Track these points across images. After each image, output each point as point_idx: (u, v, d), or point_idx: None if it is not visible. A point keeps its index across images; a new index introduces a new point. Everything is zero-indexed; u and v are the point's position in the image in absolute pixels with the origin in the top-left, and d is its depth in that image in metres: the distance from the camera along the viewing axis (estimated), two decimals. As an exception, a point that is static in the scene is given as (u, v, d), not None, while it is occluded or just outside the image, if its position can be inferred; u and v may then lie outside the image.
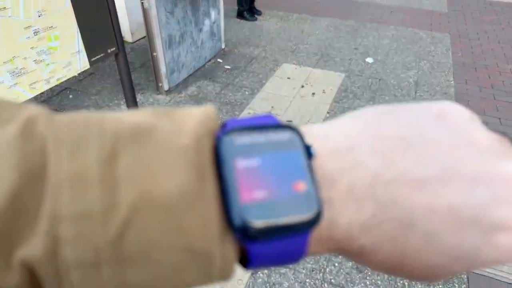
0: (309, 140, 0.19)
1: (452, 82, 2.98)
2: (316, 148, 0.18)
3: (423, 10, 4.71)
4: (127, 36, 3.45)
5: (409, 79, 3.01)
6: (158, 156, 0.16)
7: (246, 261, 0.18)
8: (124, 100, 2.44)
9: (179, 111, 0.18)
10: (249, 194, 0.16)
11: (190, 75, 2.98)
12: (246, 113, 2.54)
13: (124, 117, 0.17)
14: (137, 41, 3.56)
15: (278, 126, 0.18)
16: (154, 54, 2.52)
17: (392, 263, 0.19)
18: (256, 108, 2.61)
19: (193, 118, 0.17)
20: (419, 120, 0.19)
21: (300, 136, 0.18)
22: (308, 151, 0.18)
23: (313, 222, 0.17)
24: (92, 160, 0.15)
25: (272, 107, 2.62)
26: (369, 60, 3.32)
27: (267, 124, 0.18)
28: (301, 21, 4.21)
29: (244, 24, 4.12)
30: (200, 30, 2.98)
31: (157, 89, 2.71)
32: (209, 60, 3.24)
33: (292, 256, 0.18)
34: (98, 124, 0.16)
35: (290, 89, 2.86)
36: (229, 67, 3.19)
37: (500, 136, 0.20)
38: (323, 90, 2.85)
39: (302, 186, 0.17)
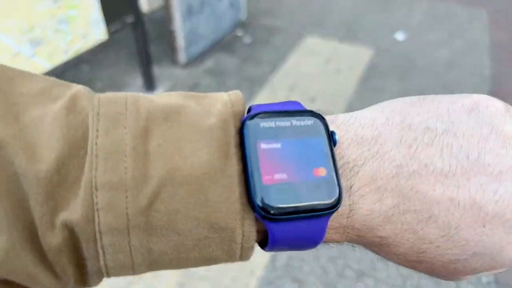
0: (334, 128, 0.19)
1: (488, 63, 2.76)
2: (340, 136, 0.19)
3: (458, -18, 4.36)
4: (144, 5, 3.30)
5: (441, 58, 2.81)
6: (186, 134, 0.17)
7: (265, 245, 0.19)
8: (140, 73, 2.35)
9: (207, 94, 0.19)
10: (271, 175, 0.17)
11: (208, 48, 2.85)
12: (266, 90, 2.43)
13: (157, 98, 0.18)
14: (154, 11, 3.41)
15: (303, 112, 0.19)
16: (171, 24, 2.39)
17: (411, 257, 0.19)
18: (276, 85, 2.48)
19: (220, 101, 0.19)
20: (450, 113, 0.19)
21: (325, 123, 0.19)
22: (332, 138, 0.18)
23: (332, 207, 0.17)
24: (127, 135, 0.16)
25: (294, 84, 2.49)
26: (399, 36, 3.11)
27: (292, 110, 0.19)
28: (326, -9, 3.95)
29: (265, -7, 3.90)
30: (220, 0, 2.81)
31: (174, 62, 2.60)
32: (229, 32, 3.09)
33: (310, 240, 0.18)
34: (134, 104, 0.17)
35: (313, 65, 2.71)
36: (248, 40, 3.04)
37: None
38: (349, 67, 2.69)
39: (322, 171, 0.17)
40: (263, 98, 2.36)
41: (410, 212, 0.17)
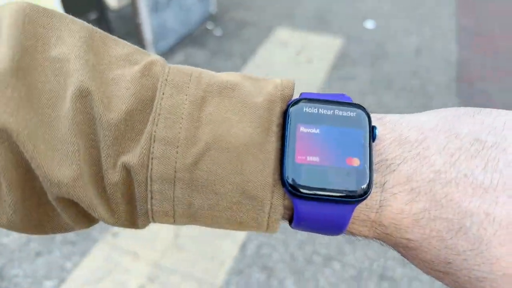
0: (380, 125, 0.20)
1: (455, 48, 2.82)
2: (384, 134, 0.19)
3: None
4: (113, 2, 3.23)
5: (410, 46, 2.85)
6: (235, 108, 0.19)
7: (291, 222, 0.20)
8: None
9: (264, 78, 0.22)
10: (304, 156, 0.18)
11: (178, 42, 2.81)
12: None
13: (219, 75, 0.21)
14: (123, 7, 3.34)
15: (349, 104, 0.20)
16: (138, 19, 2.34)
17: (437, 266, 0.18)
18: (248, 77, 2.48)
19: (272, 84, 0.21)
20: (506, 127, 0.18)
21: (368, 117, 0.19)
22: (372, 132, 0.19)
23: (358, 196, 0.18)
24: (187, 101, 0.19)
25: (265, 75, 2.48)
26: (369, 24, 3.14)
27: (339, 101, 0.20)
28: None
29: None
30: (188, -8, 2.78)
31: (143, 57, 2.56)
32: (198, 26, 3.06)
33: (333, 225, 0.19)
34: (197, 76, 0.20)
35: (285, 56, 2.71)
36: (219, 33, 3.01)
37: None
38: (320, 57, 2.71)
39: (356, 162, 0.18)
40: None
41: (441, 219, 0.17)
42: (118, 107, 0.18)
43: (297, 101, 0.19)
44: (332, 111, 0.19)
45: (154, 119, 0.18)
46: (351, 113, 0.19)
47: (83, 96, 0.18)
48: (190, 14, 2.88)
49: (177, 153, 0.18)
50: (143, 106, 0.19)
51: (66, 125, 0.18)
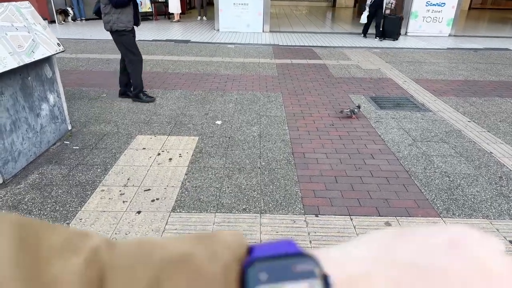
0: (326, 265, 0.20)
1: (287, 130, 3.52)
2: (333, 277, 0.19)
3: (258, 76, 5.55)
4: None
5: (253, 133, 3.43)
6: (192, 284, 0.18)
7: None
8: None
9: (213, 237, 0.21)
10: None
11: (30, 162, 2.74)
12: (99, 191, 2.45)
13: (170, 243, 0.20)
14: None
15: (298, 254, 0.20)
16: (-21, 146, 2.25)
17: None
18: (110, 184, 2.54)
19: (223, 246, 0.21)
20: (432, 247, 0.20)
21: (318, 266, 0.19)
22: (326, 281, 0.19)
23: None
24: (140, 287, 0.18)
25: (129, 179, 2.59)
26: (218, 122, 3.68)
27: (289, 253, 0.20)
28: (152, 95, 4.41)
29: (93, 103, 4.08)
30: (38, 115, 2.83)
31: (-12, 184, 2.38)
32: (54, 144, 3.06)
33: None
34: (148, 254, 0.19)
35: (146, 159, 2.90)
36: (77, 147, 3.06)
37: None
38: (180, 154, 2.99)
39: None
40: (96, 200, 2.36)
41: None
42: None
43: (251, 264, 0.19)
44: (286, 267, 0.19)
45: None
46: (303, 265, 0.19)
47: None
48: (42, 135, 2.89)
49: None
50: None
51: None
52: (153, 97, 4.29)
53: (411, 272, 0.19)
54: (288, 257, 0.20)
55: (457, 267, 0.19)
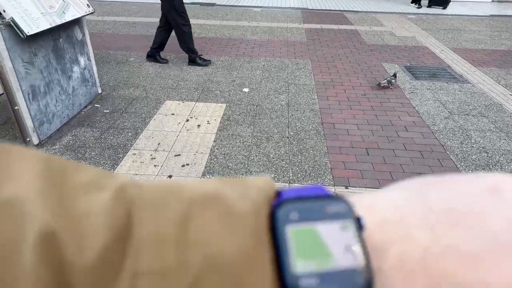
0: (358, 211, 0.19)
1: (316, 100, 3.43)
2: (366, 220, 0.19)
3: (286, 41, 5.36)
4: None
5: (281, 102, 3.36)
6: (223, 221, 0.18)
7: None
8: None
9: (243, 180, 0.21)
10: (301, 262, 0.18)
11: (64, 124, 2.80)
12: (131, 154, 2.50)
13: (197, 185, 0.20)
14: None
15: (329, 197, 0.20)
16: (16, 108, 2.31)
17: None
18: (141, 148, 2.58)
19: (253, 188, 0.20)
20: (471, 193, 0.19)
21: (351, 208, 0.19)
22: (359, 223, 0.19)
23: None
24: (169, 222, 0.17)
25: (159, 144, 2.63)
26: (246, 89, 3.62)
27: (319, 195, 0.20)
28: (179, 60, 4.36)
29: (121, 67, 4.09)
30: (70, 77, 2.86)
31: (26, 144, 2.47)
32: (85, 106, 3.11)
33: None
34: (177, 192, 0.19)
35: (175, 124, 2.92)
36: (108, 110, 3.11)
37: None
38: (207, 121, 2.99)
39: (351, 257, 0.18)
40: (128, 163, 2.41)
41: None
42: (91, 246, 0.16)
43: (281, 204, 0.19)
44: (317, 208, 0.19)
45: (136, 249, 0.17)
46: (334, 206, 0.19)
47: (48, 241, 0.16)
48: (75, 98, 2.94)
49: (168, 284, 0.16)
50: (120, 237, 0.17)
51: None
52: (209, 60, 4.29)
53: (449, 216, 0.18)
54: (320, 198, 0.20)
55: (498, 211, 0.18)
